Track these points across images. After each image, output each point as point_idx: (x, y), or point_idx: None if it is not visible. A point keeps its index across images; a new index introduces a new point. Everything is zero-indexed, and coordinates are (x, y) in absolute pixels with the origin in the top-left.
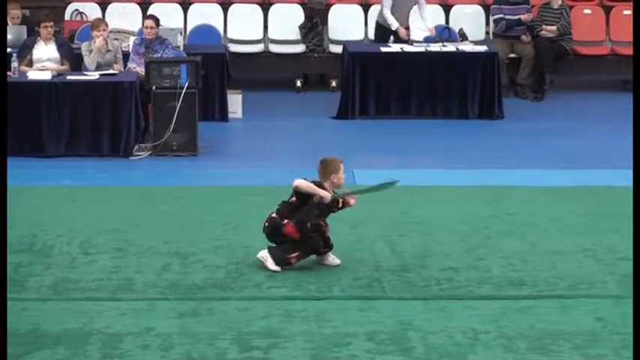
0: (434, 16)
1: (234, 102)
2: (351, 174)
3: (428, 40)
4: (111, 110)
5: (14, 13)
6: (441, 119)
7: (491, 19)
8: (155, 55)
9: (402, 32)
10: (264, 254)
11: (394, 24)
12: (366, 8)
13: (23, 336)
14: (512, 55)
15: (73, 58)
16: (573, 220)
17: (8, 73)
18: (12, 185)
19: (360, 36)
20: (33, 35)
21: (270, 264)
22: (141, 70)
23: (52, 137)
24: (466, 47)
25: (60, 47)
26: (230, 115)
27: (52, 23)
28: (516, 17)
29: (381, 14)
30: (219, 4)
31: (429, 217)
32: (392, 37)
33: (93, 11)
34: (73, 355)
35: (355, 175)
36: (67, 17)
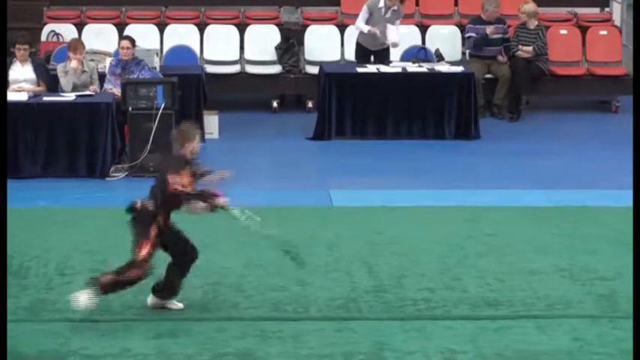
0: (410, 36)
1: (211, 123)
2: (327, 195)
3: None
4: (87, 131)
5: None
6: (418, 140)
7: (466, 37)
8: (131, 76)
9: (374, 30)
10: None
11: (365, 28)
12: (342, 29)
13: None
14: (489, 76)
15: (49, 80)
16: (550, 240)
17: None
18: None
19: (337, 57)
20: (9, 56)
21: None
22: (117, 91)
23: (28, 158)
24: (442, 68)
25: (36, 68)
26: (206, 136)
27: (28, 44)
28: (491, 36)
29: (361, 34)
30: (196, 24)
31: (406, 237)
32: (372, 58)
33: (69, 32)
34: None
35: (332, 196)
36: (43, 38)
